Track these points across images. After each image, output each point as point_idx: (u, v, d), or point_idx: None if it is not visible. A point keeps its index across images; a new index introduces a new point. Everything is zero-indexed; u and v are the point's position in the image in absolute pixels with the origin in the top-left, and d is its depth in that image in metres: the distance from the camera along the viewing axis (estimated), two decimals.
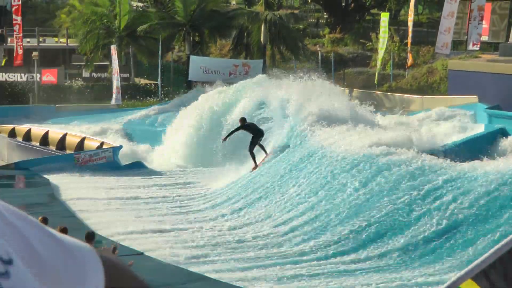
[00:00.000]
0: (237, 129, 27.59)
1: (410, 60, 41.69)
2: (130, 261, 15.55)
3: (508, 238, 4.53)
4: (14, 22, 49.36)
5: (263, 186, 24.40)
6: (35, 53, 47.20)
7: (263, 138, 27.46)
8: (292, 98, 29.41)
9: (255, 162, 26.77)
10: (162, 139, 35.00)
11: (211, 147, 31.77)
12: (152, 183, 27.65)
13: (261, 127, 27.96)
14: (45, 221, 16.24)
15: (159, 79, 46.54)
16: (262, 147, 27.37)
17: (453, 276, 4.64)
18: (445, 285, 4.52)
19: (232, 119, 31.85)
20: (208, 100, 34.39)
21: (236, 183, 25.73)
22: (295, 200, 22.43)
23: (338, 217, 20.50)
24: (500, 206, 18.56)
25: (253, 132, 27.15)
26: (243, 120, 27.93)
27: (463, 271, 4.52)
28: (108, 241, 18.27)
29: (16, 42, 49.70)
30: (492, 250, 4.52)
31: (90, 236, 15.04)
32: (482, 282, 4.45)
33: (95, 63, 50.46)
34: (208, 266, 17.58)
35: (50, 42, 58.02)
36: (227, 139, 27.74)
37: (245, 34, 49.64)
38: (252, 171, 26.49)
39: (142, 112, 42.65)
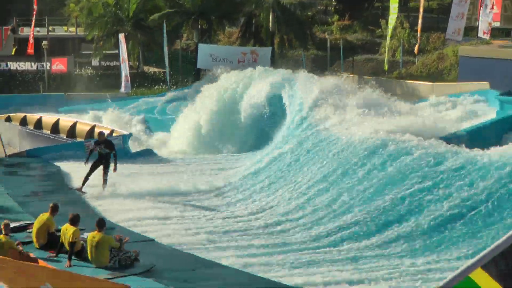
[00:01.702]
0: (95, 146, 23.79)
1: (417, 47, 41.50)
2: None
3: None
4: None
5: (273, 174, 24.42)
6: (45, 42, 47.32)
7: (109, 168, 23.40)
8: (302, 86, 29.42)
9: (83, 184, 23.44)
10: (172, 127, 35.06)
11: (221, 135, 31.83)
12: (162, 171, 27.69)
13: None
14: (55, 208, 16.31)
15: (166, 67, 46.49)
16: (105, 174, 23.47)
17: (463, 264, 4.63)
18: (455, 273, 4.52)
19: (244, 107, 31.87)
20: (219, 87, 34.38)
21: (247, 170, 25.74)
22: (305, 187, 22.44)
23: (348, 204, 20.50)
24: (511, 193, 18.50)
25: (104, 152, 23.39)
26: (101, 134, 24.17)
27: (472, 260, 4.52)
28: (119, 228, 18.33)
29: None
30: (501, 239, 4.52)
31: (101, 223, 15.07)
32: (491, 271, 4.45)
33: (104, 52, 50.53)
34: (218, 253, 17.61)
35: (60, 31, 58.05)
36: (88, 160, 23.34)
37: (253, 22, 49.54)
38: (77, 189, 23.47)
39: (151, 100, 42.70)
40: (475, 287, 4.47)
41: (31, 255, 14.87)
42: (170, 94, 43.04)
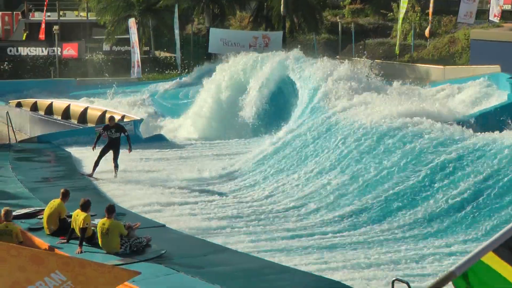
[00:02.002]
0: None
1: (428, 31, 41.29)
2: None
3: None
4: None
5: (283, 159, 24.42)
6: (55, 27, 47.36)
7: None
8: (314, 72, 29.38)
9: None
10: (183, 112, 35.08)
11: (232, 120, 31.83)
12: (173, 156, 27.74)
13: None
14: (66, 193, 16.38)
15: (177, 51, 46.45)
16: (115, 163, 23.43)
17: (474, 248, 4.63)
18: (467, 257, 4.51)
19: (253, 91, 31.84)
20: (229, 72, 34.34)
21: (257, 155, 25.75)
22: (317, 172, 22.44)
23: (360, 189, 20.50)
24: None
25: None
26: (111, 119, 23.98)
27: (484, 244, 4.51)
28: (130, 214, 18.39)
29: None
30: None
31: (111, 209, 15.12)
32: (503, 254, 4.44)
33: (116, 37, 50.55)
34: (230, 238, 17.65)
35: (71, 16, 58.10)
36: (96, 146, 23.25)
37: (265, 6, 49.43)
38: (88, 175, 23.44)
39: (163, 85, 42.72)
40: (488, 270, 4.48)
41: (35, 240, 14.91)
42: (181, 79, 43.05)
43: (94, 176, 23.24)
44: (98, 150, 23.38)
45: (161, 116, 36.86)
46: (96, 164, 23.25)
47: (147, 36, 51.63)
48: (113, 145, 23.14)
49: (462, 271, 4.50)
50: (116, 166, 23.30)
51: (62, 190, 16.51)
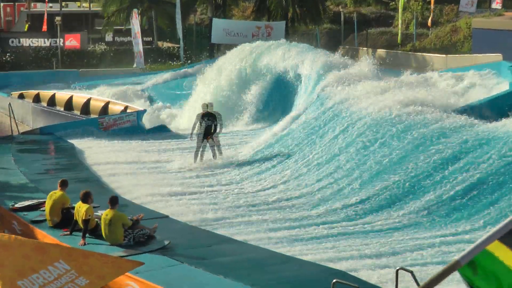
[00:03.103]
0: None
1: (430, 19, 41.23)
2: (155, 224, 15.70)
3: None
4: None
5: (287, 149, 24.42)
6: (58, 18, 47.33)
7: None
8: (316, 61, 29.36)
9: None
10: (185, 102, 35.07)
11: (234, 110, 31.81)
12: (176, 147, 27.75)
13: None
14: (64, 183, 16.34)
15: (181, 41, 46.41)
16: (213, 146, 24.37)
17: (478, 237, 4.63)
18: (472, 246, 4.51)
19: (254, 82, 31.82)
20: (231, 61, 34.33)
21: (260, 145, 25.75)
22: (319, 162, 22.44)
23: (363, 178, 20.50)
24: None
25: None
26: (205, 106, 24.67)
27: (489, 233, 4.51)
28: (133, 205, 18.40)
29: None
30: None
31: (114, 200, 15.13)
32: (509, 242, 4.45)
33: (118, 27, 50.52)
34: (233, 229, 17.66)
35: (73, 6, 58.04)
36: (192, 135, 24.38)
37: None
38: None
39: (166, 76, 42.70)
40: (493, 258, 4.48)
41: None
42: (184, 70, 43.05)
43: (198, 161, 24.06)
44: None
45: (164, 107, 36.84)
46: (196, 154, 24.21)
47: (150, 26, 51.60)
48: (209, 132, 24.14)
49: (467, 260, 4.51)
50: (218, 151, 24.31)
51: (60, 180, 16.49)
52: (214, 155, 24.40)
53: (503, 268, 4.50)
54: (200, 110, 24.78)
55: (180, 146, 27.85)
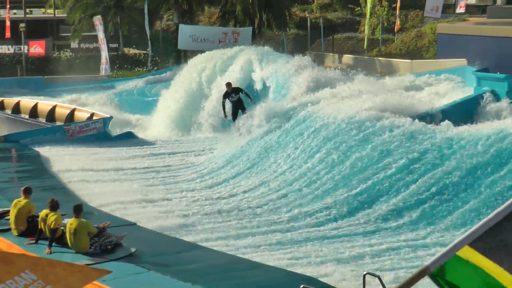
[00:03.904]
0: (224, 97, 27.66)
1: (397, 25, 41.53)
2: (123, 232, 15.62)
3: (505, 204, 4.56)
4: None
5: (254, 155, 24.43)
6: (22, 25, 46.91)
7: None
8: (282, 68, 29.44)
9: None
10: (152, 109, 34.94)
11: (201, 117, 31.74)
12: (143, 154, 27.63)
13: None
14: (28, 191, 16.17)
15: (149, 47, 46.30)
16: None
17: (447, 240, 4.67)
18: (442, 252, 4.55)
19: (219, 88, 31.77)
20: (197, 68, 34.32)
21: (227, 152, 25.74)
22: (286, 168, 22.47)
23: (330, 184, 20.56)
24: (491, 168, 18.65)
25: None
26: (228, 84, 27.62)
27: (459, 238, 4.55)
28: (99, 213, 18.30)
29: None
30: (488, 217, 4.56)
31: (78, 209, 15.01)
32: (479, 247, 4.48)
33: (83, 34, 50.22)
34: (200, 235, 17.63)
35: (37, 13, 57.61)
36: (225, 113, 27.86)
37: (233, 2, 49.36)
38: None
39: (132, 82, 42.54)
40: (464, 263, 4.52)
41: None
42: (151, 77, 42.92)
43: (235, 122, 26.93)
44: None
45: (131, 114, 36.67)
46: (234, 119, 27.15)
47: (116, 33, 51.37)
48: (237, 107, 26.99)
49: (437, 265, 4.54)
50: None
51: (23, 188, 16.32)
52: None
53: (476, 270, 4.54)
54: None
55: (148, 152, 27.75)
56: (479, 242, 4.52)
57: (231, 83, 27.72)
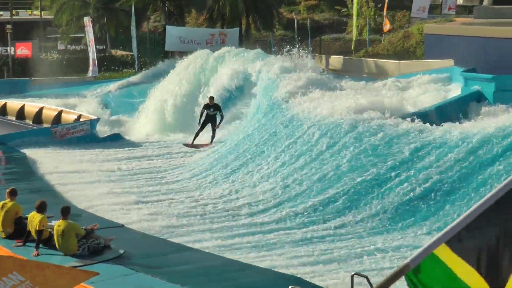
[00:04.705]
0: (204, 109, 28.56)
1: (388, 26, 41.57)
2: (112, 236, 15.56)
3: (478, 203, 4.57)
4: None
5: (241, 156, 24.41)
6: (8, 26, 46.70)
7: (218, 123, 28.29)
8: (268, 69, 29.43)
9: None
10: (139, 110, 34.87)
11: (189, 118, 31.69)
12: (131, 155, 27.59)
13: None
14: (13, 192, 16.09)
15: (134, 49, 46.18)
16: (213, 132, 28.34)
17: (427, 241, 4.67)
18: (420, 250, 4.55)
19: (209, 90, 31.75)
20: (185, 69, 34.28)
21: (215, 153, 25.73)
22: (273, 169, 22.45)
23: (316, 185, 20.56)
24: (478, 168, 18.71)
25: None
26: (211, 98, 28.76)
27: (436, 236, 4.56)
28: (87, 215, 18.24)
29: None
30: (464, 214, 4.56)
31: (65, 211, 14.94)
32: (454, 246, 4.49)
33: (71, 36, 50.06)
34: (189, 237, 17.61)
35: (24, 14, 57.38)
36: (200, 121, 28.41)
37: (221, 3, 49.35)
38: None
39: (119, 84, 42.42)
40: (439, 263, 4.52)
41: None
42: (137, 77, 42.83)
43: (195, 143, 28.15)
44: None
45: (118, 115, 36.58)
46: (197, 134, 28.35)
47: (103, 34, 51.21)
48: (210, 121, 28.38)
49: (417, 263, 4.54)
50: (213, 136, 28.15)
51: (8, 190, 16.22)
52: (212, 138, 28.07)
53: (447, 271, 4.55)
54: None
55: (135, 154, 27.70)
56: (455, 240, 4.53)
57: (213, 98, 28.77)
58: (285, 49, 30.84)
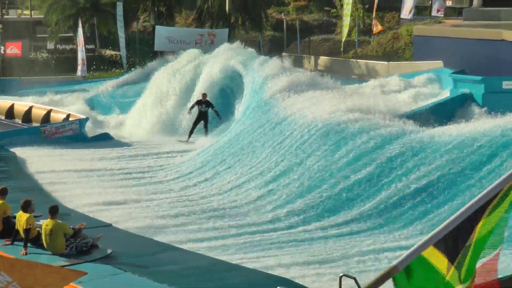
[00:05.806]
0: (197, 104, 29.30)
1: (378, 27, 41.65)
2: (99, 234, 15.56)
3: (465, 207, 4.61)
4: None
5: (231, 155, 24.41)
6: None
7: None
8: (258, 69, 29.43)
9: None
10: (128, 110, 34.83)
11: (178, 117, 31.69)
12: (120, 155, 27.56)
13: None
14: (4, 191, 16.06)
15: (123, 50, 46.10)
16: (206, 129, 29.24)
17: (416, 243, 4.70)
18: (409, 252, 4.59)
19: (198, 89, 31.75)
20: (174, 69, 34.27)
21: (204, 152, 25.72)
22: (263, 169, 22.47)
23: (306, 186, 20.57)
24: (468, 170, 18.77)
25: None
26: (204, 95, 29.43)
27: (425, 238, 4.60)
28: (75, 214, 18.21)
29: None
30: (452, 217, 4.60)
31: (53, 210, 14.93)
32: (442, 248, 4.53)
33: (59, 35, 49.94)
34: (177, 237, 17.61)
35: (13, 14, 57.22)
36: (190, 111, 29.39)
37: (210, 4, 49.35)
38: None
39: (109, 83, 42.32)
40: (427, 264, 4.55)
41: None
42: (126, 77, 42.75)
43: (189, 140, 28.78)
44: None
45: (107, 115, 36.51)
46: (191, 132, 29.16)
47: (92, 34, 51.10)
48: (203, 117, 29.09)
49: (405, 265, 4.57)
50: (207, 132, 29.00)
51: None
52: (206, 133, 28.92)
53: (435, 273, 4.58)
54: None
55: (124, 154, 27.68)
56: (442, 243, 4.57)
57: (206, 94, 29.35)
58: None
